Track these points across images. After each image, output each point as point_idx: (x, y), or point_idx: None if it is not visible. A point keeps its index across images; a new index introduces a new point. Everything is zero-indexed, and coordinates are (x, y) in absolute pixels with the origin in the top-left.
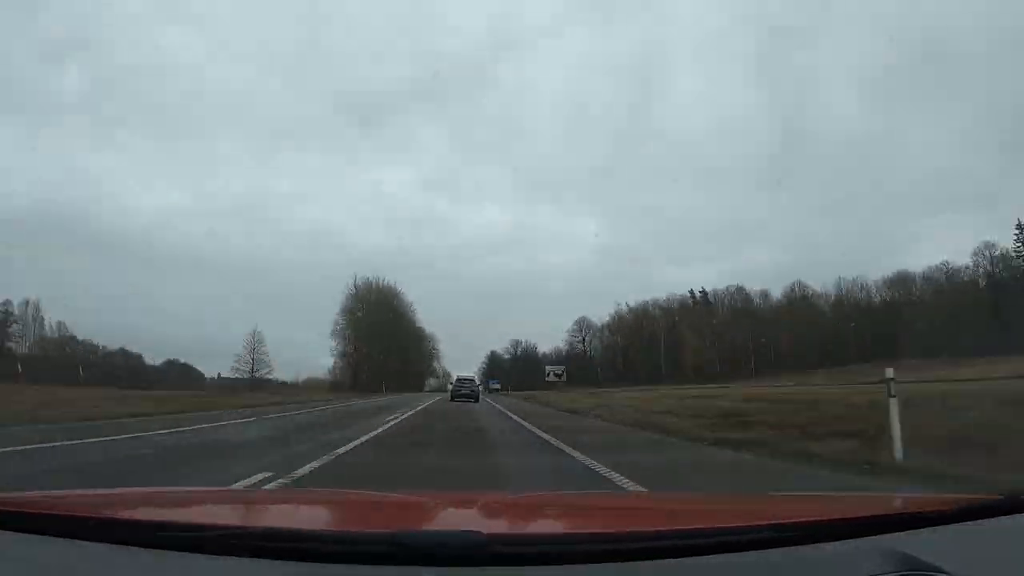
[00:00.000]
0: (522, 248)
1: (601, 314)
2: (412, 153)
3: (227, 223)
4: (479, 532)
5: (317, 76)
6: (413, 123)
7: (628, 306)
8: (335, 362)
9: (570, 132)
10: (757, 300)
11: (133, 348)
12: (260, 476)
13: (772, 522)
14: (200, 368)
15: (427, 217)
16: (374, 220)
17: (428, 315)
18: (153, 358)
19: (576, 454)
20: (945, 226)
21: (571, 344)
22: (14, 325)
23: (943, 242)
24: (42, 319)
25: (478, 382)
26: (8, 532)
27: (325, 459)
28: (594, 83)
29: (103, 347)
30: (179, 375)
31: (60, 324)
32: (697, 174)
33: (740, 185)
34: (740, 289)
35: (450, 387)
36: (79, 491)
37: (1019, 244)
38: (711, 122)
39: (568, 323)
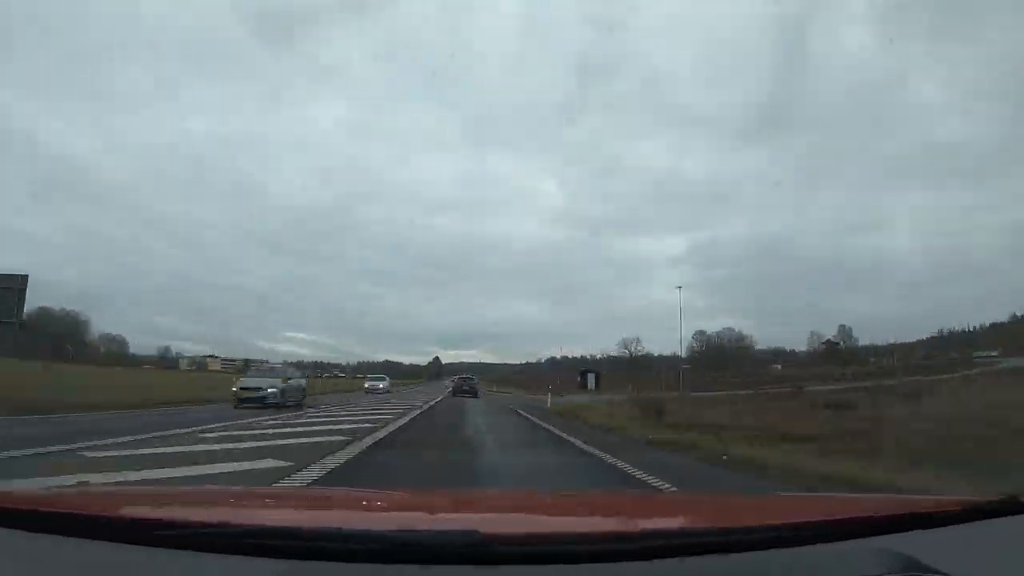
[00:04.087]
0: (469, 210)
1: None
2: (341, 87)
3: (143, 170)
4: (477, 531)
5: None
6: (341, 47)
7: None
8: None
9: (526, 59)
10: None
11: None
12: None
13: (773, 522)
14: None
15: (358, 166)
16: (301, 170)
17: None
18: None
19: None
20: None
21: None
22: None
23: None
24: None
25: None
26: (4, 529)
27: None
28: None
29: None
30: None
31: None
32: (672, 121)
33: (721, 137)
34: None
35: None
36: (76, 488)
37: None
38: (696, 51)
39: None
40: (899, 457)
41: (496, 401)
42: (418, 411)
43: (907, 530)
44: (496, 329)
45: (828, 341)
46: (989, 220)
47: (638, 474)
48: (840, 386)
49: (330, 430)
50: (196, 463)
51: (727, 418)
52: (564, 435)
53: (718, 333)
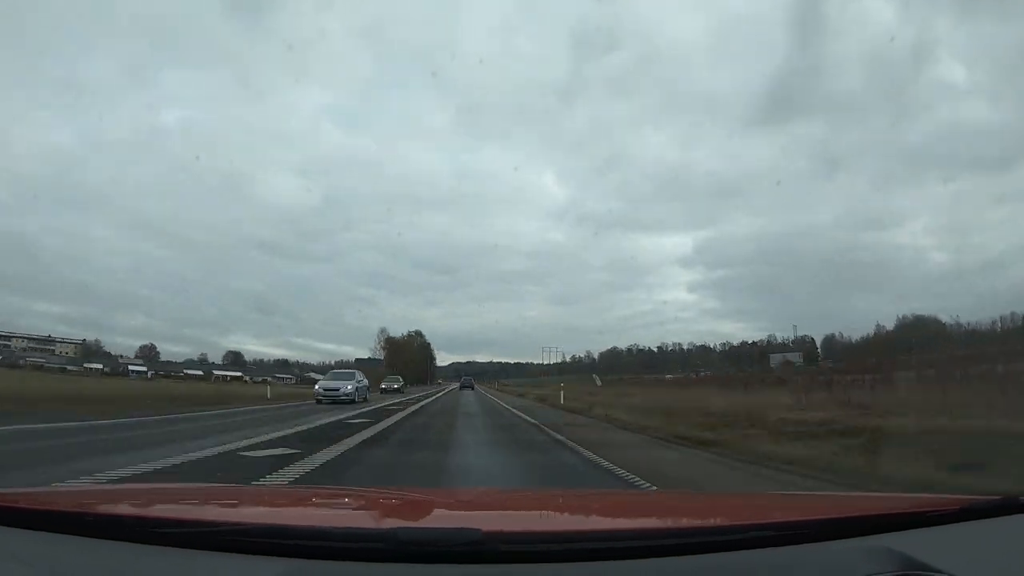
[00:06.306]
0: (464, 207)
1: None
2: (322, 73)
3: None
4: (477, 529)
5: None
6: (321, 28)
7: None
8: None
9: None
10: None
11: None
12: None
13: (772, 521)
14: None
15: (343, 157)
16: (284, 164)
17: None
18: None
19: None
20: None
21: None
22: None
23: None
24: None
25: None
26: (6, 528)
27: None
28: None
29: None
30: None
31: None
32: (678, 105)
33: (731, 123)
34: None
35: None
36: (77, 487)
37: None
38: (710, 22)
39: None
40: None
41: None
42: None
43: (906, 529)
44: (507, 329)
45: None
46: None
47: None
48: None
49: None
50: None
51: None
52: None
53: None
